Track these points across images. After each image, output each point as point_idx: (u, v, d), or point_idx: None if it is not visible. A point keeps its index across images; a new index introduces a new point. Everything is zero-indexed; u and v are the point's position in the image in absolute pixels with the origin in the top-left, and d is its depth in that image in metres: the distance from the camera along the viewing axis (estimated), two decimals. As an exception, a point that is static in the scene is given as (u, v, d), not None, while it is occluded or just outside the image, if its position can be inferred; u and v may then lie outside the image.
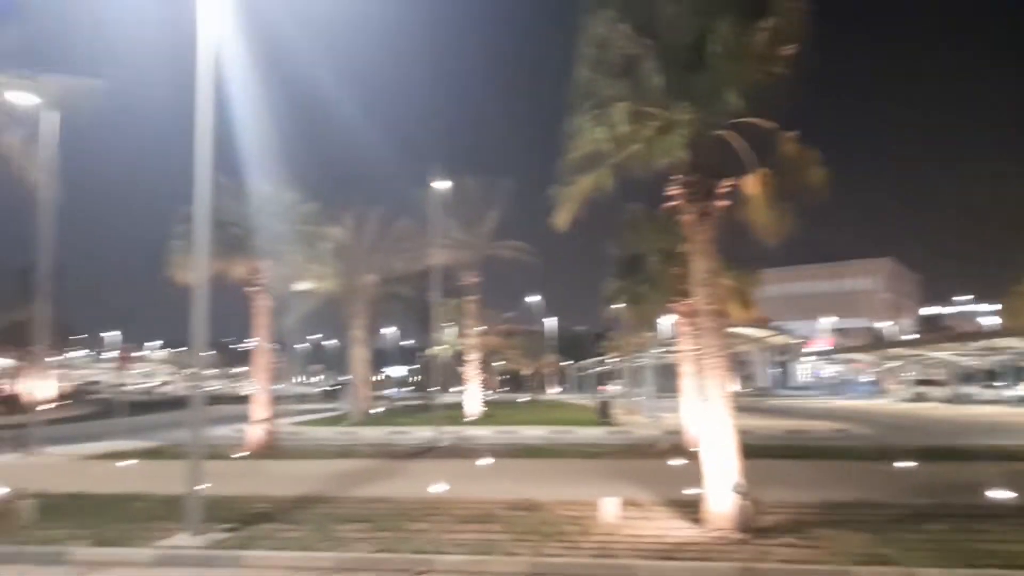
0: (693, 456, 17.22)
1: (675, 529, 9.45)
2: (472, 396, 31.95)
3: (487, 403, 33.24)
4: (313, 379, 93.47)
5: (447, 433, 22.70)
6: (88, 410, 48.91)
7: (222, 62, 10.26)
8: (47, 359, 26.85)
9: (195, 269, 11.31)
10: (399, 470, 16.22)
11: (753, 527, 9.02)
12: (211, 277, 18.95)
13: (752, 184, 9.43)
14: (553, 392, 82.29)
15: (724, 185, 9.42)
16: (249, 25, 10.83)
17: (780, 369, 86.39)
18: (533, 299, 67.06)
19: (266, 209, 19.60)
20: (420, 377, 73.08)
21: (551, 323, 78.20)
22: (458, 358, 45.23)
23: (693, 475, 10.25)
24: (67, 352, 69.63)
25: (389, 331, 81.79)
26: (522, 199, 32.60)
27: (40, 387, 29.69)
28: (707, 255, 9.60)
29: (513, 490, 12.15)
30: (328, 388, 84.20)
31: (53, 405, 48.12)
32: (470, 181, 29.66)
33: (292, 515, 10.48)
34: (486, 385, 35.24)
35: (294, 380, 53.32)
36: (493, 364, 73.86)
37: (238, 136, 10.28)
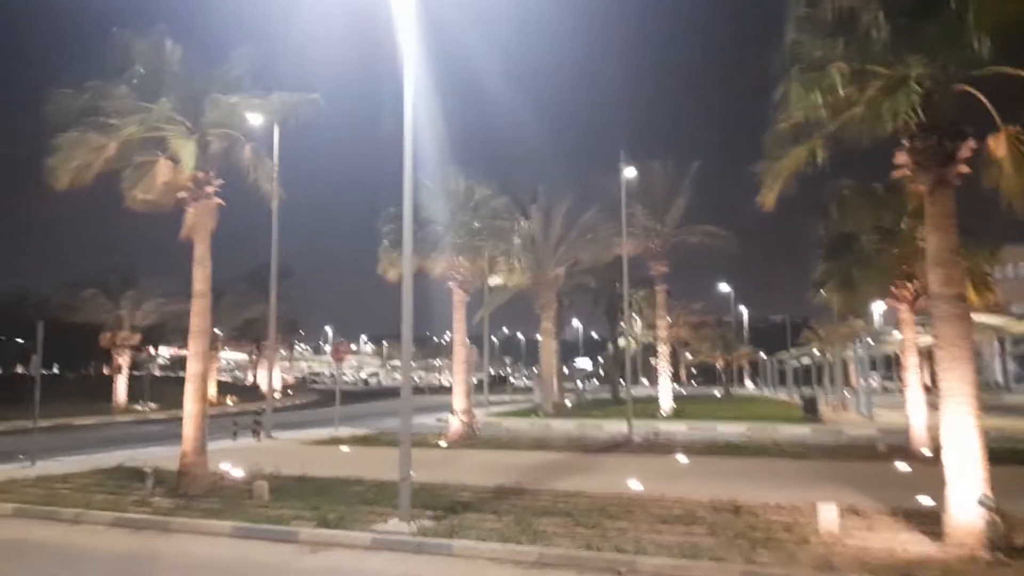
0: (921, 459, 15.50)
1: (908, 543, 8.34)
2: (664, 390, 31.08)
3: (679, 397, 32.19)
4: (501, 372, 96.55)
5: (640, 428, 22.19)
6: (310, 399, 54.27)
7: (419, 70, 10.63)
8: (277, 353, 29.98)
9: (401, 266, 11.78)
10: (594, 464, 16.05)
11: (1005, 546, 7.71)
12: (414, 273, 20.20)
13: (1001, 145, 8.06)
14: (747, 386, 78.28)
15: (965, 148, 8.12)
16: (435, 25, 11.15)
17: (1020, 362, 75.43)
18: (723, 288, 64.14)
19: (461, 205, 20.32)
20: (606, 370, 72.73)
21: (742, 313, 74.42)
22: (648, 350, 44.37)
23: (921, 481, 9.05)
24: (293, 346, 77.38)
25: (576, 324, 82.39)
26: (712, 182, 31.14)
27: (271, 379, 33.25)
28: (945, 230, 8.34)
29: (715, 489, 11.48)
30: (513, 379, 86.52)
31: (282, 395, 53.91)
32: (657, 166, 28.81)
33: (492, 505, 10.64)
34: (678, 378, 34.16)
35: (489, 372, 55.39)
36: (684, 357, 71.65)
37: (433, 136, 10.66)
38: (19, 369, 74.55)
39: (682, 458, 16.31)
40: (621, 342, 56.73)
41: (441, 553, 8.42)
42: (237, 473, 13.03)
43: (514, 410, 36.69)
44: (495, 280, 29.43)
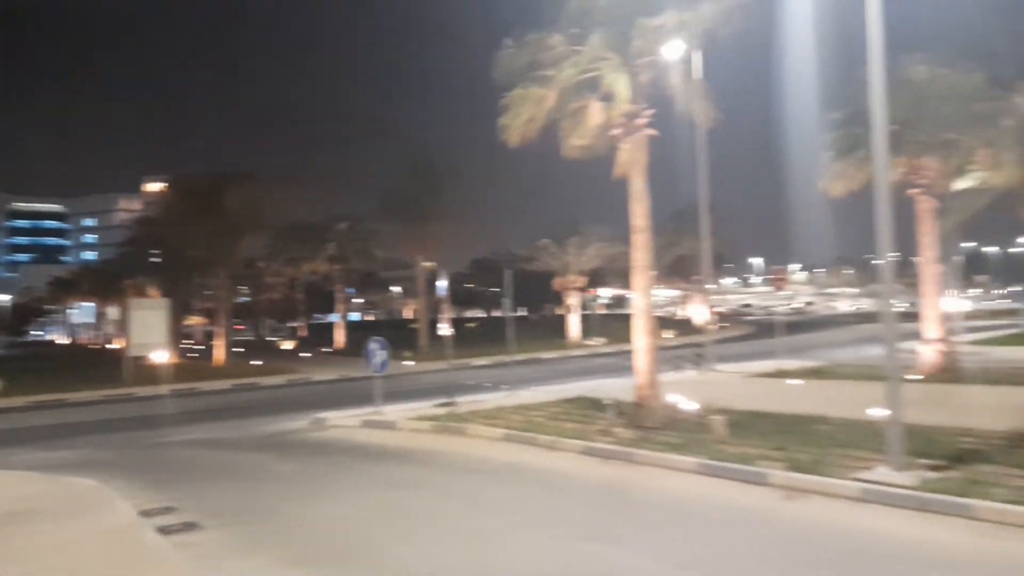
0: None
1: None
2: None
3: None
4: (975, 292, 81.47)
5: None
6: (744, 331, 53.18)
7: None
8: (707, 287, 29.65)
9: (853, 178, 9.86)
10: None
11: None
12: (861, 185, 17.43)
13: None
14: None
15: None
16: None
17: None
18: None
19: (925, 94, 16.73)
20: None
21: None
22: None
23: None
24: (721, 280, 77.02)
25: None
26: None
27: (702, 312, 33.15)
28: None
29: None
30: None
31: (715, 327, 53.90)
32: None
33: (1014, 457, 8.29)
34: None
35: (956, 293, 47.00)
36: None
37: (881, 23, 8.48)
38: (496, 313, 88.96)
39: None
40: None
41: (955, 514, 6.71)
42: (690, 406, 12.78)
43: (1001, 337, 30.20)
44: (967, 183, 24.16)
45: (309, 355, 42.38)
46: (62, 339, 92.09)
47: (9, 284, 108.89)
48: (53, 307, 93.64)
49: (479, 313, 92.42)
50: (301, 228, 48.34)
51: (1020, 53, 25.74)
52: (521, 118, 13.21)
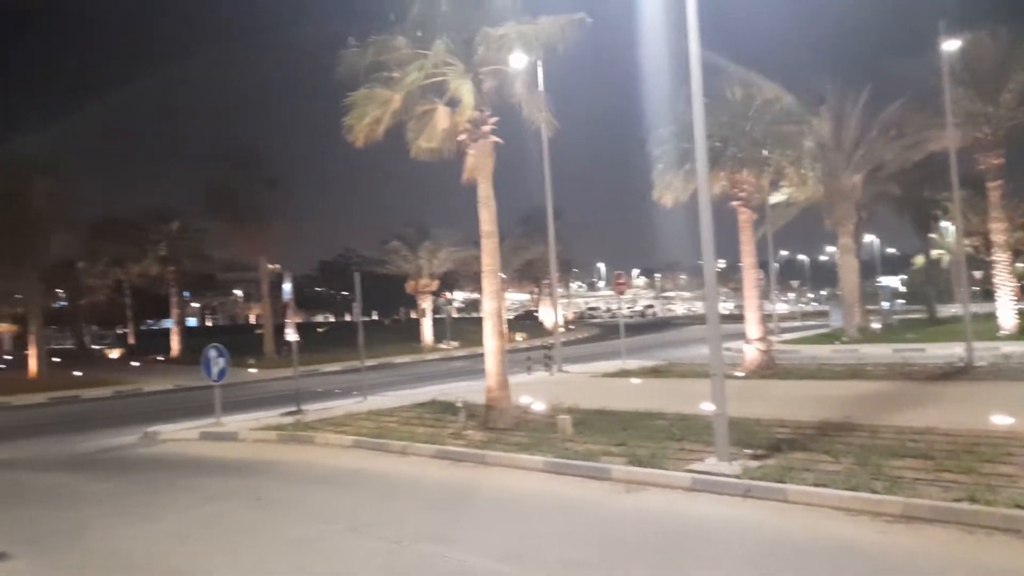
0: None
1: None
2: (1005, 304, 25.95)
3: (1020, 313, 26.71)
4: (789, 296, 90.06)
5: (978, 350, 18.61)
6: (591, 333, 55.54)
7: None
8: (555, 291, 30.68)
9: (679, 190, 10.59)
10: (932, 395, 13.64)
11: None
12: (689, 197, 18.75)
13: None
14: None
15: None
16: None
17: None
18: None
19: (740, 114, 18.29)
20: (914, 288, 63.87)
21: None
22: (973, 261, 37.75)
23: None
24: (569, 284, 79.81)
25: (871, 238, 73.45)
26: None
27: (552, 315, 34.26)
28: None
29: None
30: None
31: (563, 330, 55.74)
32: (985, 37, 23.33)
33: (821, 444, 9.28)
34: (1017, 293, 28.30)
35: (775, 297, 51.68)
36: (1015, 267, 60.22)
37: (703, 43, 9.18)
38: (347, 317, 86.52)
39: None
40: (934, 253, 49.21)
41: (774, 498, 7.40)
42: (539, 407, 13.17)
43: (813, 336, 33.62)
44: (778, 197, 26.70)
45: (139, 364, 39.24)
46: None
47: None
48: None
49: (328, 317, 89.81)
50: (121, 225, 44.29)
51: (820, 80, 28.67)
52: (366, 119, 13.07)
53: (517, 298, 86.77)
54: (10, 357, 46.26)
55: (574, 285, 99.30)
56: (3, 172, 31.54)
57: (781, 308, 59.55)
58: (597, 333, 55.39)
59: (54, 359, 37.42)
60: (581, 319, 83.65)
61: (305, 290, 78.52)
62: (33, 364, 32.14)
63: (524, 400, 13.72)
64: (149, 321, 70.34)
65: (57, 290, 53.44)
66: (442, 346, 41.42)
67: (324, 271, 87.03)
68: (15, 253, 31.65)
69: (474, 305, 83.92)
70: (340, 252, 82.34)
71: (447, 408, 14.33)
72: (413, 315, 54.14)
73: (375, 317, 77.19)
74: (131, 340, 54.13)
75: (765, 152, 18.44)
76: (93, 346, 56.13)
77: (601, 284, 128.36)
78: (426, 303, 43.09)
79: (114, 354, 47.03)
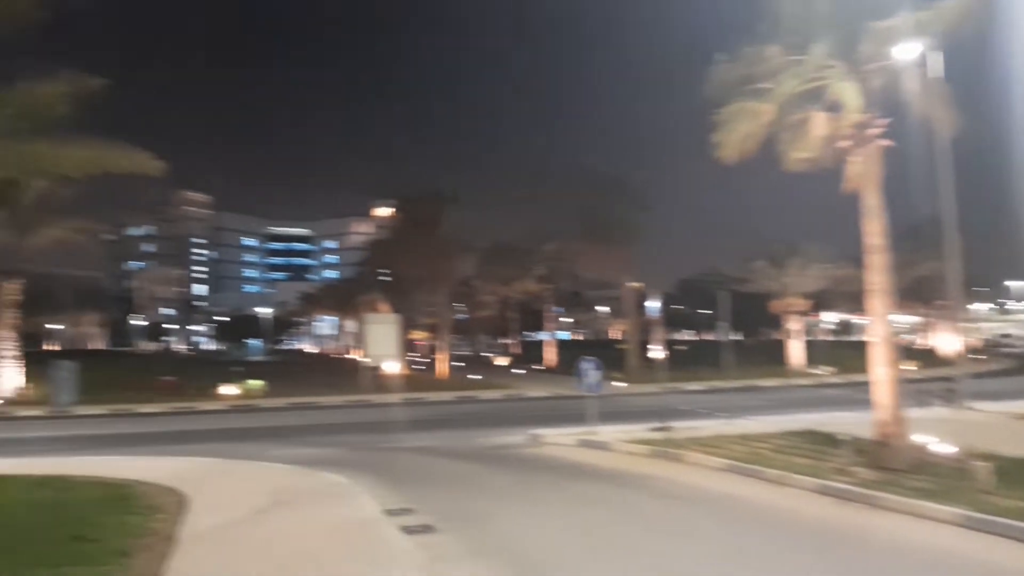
0: None
1: None
2: None
3: None
4: None
5: None
6: (1005, 365, 46.29)
7: None
8: (954, 313, 26.23)
9: None
10: None
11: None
12: None
13: None
14: None
15: None
16: None
17: None
18: None
19: None
20: None
21: None
22: None
23: None
24: (971, 305, 68.13)
25: None
26: None
27: (950, 342, 29.37)
28: None
29: None
30: None
31: (968, 360, 47.59)
32: None
33: None
34: None
35: None
36: None
37: None
38: (707, 336, 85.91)
39: None
40: None
41: None
42: (943, 448, 11.34)
43: None
44: None
45: (522, 371, 43.77)
46: (310, 348, 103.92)
47: (269, 299, 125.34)
48: (302, 319, 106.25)
49: (688, 336, 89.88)
50: (508, 249, 50.29)
51: None
52: (737, 133, 12.78)
53: (905, 320, 76.56)
54: (425, 360, 55.45)
55: (980, 307, 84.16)
56: (424, 205, 38.32)
57: None
58: (1014, 366, 46.01)
59: (456, 363, 43.80)
60: (990, 347, 70.27)
61: (665, 308, 79.85)
62: (442, 367, 38.11)
63: (919, 439, 11.94)
64: (527, 333, 78.32)
65: (457, 304, 62.75)
66: (813, 371, 38.39)
67: (683, 289, 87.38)
68: (432, 274, 38.15)
69: (848, 327, 76.21)
70: (700, 271, 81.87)
71: (827, 439, 13.14)
72: (777, 336, 51.23)
73: (737, 337, 75.02)
74: (515, 350, 60.92)
75: None
76: (484, 353, 64.58)
77: (1017, 306, 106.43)
78: (793, 324, 40.45)
79: (501, 361, 53.33)
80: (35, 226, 26.84)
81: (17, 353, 26.08)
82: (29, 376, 26.35)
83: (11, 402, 25.04)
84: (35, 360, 29.64)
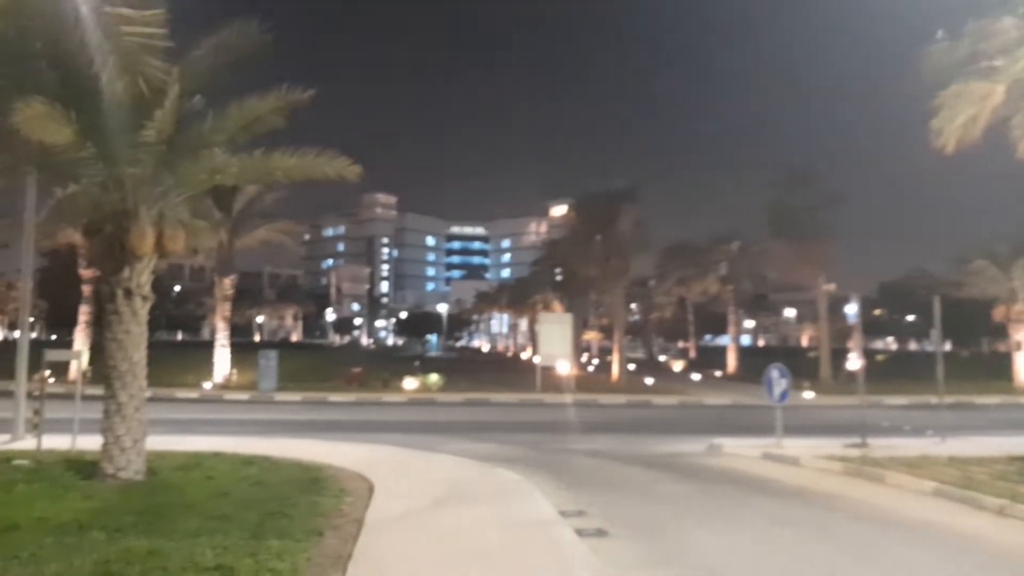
0: None
1: None
2: None
3: None
4: None
5: None
6: None
7: None
8: None
9: None
10: None
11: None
12: None
13: None
14: None
15: None
16: None
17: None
18: None
19: None
20: None
21: None
22: None
23: None
24: None
25: None
26: None
27: None
28: None
29: None
30: None
31: None
32: None
33: None
34: None
35: None
36: None
37: None
38: (911, 346, 78.04)
39: None
40: None
41: None
42: None
43: None
44: None
45: (699, 377, 42.20)
46: (484, 346, 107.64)
47: (445, 297, 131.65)
48: (477, 317, 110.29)
49: (889, 344, 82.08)
50: (688, 248, 48.66)
51: None
52: (958, 120, 11.46)
53: None
54: (597, 362, 55.21)
55: None
56: (600, 203, 38.12)
57: None
58: None
59: (629, 366, 43.19)
60: None
61: (863, 313, 73.59)
62: (615, 369, 37.65)
63: None
64: (707, 337, 75.51)
65: (632, 305, 61.82)
66: (1044, 388, 33.41)
67: (884, 293, 79.89)
68: (607, 273, 37.85)
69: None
70: (905, 273, 74.43)
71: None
72: (999, 347, 45.19)
73: (949, 347, 67.33)
74: (692, 354, 58.92)
75: None
76: (659, 357, 63.08)
77: None
78: (1021, 334, 35.43)
79: (677, 366, 51.80)
80: (247, 228, 30.11)
81: (227, 343, 29.25)
82: (235, 363, 29.44)
83: (220, 387, 28.12)
84: (240, 349, 33.23)
